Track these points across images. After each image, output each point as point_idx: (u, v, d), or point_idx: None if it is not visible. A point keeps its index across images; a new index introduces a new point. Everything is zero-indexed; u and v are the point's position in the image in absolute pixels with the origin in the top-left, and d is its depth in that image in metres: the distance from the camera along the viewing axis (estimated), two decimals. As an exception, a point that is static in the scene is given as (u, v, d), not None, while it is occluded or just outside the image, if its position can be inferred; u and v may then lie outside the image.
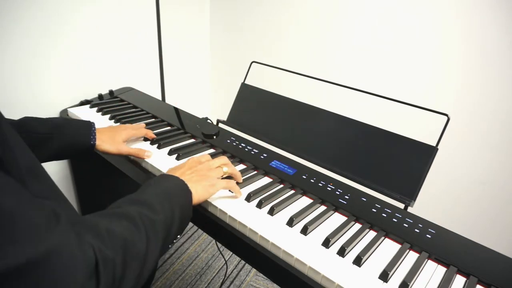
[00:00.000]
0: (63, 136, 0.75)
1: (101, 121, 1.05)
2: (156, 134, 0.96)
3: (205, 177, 0.66)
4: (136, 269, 0.44)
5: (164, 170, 0.80)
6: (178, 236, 0.58)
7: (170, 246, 0.56)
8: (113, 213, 0.48)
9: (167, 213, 0.53)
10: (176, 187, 0.59)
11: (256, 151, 0.90)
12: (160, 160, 0.84)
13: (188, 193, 0.60)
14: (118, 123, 1.04)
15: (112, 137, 0.83)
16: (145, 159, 0.84)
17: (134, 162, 0.88)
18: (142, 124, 0.96)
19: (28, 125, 0.73)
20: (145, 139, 0.94)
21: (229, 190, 0.72)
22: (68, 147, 0.77)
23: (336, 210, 0.71)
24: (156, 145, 0.90)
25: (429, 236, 0.63)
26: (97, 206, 1.41)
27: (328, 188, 0.76)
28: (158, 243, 0.49)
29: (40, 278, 0.32)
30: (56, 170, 1.21)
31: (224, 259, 1.51)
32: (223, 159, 0.74)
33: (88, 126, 0.80)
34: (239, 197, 0.71)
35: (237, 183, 0.74)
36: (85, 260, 0.36)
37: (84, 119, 1.05)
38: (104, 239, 0.40)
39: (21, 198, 0.34)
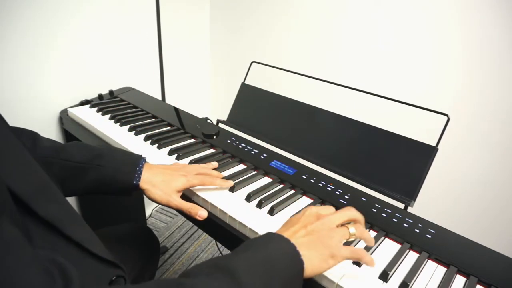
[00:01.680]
0: (100, 169, 0.63)
1: (101, 121, 1.05)
2: (156, 134, 0.96)
3: (325, 242, 0.48)
4: None
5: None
6: None
7: None
8: (177, 284, 0.37)
9: None
10: (280, 255, 0.44)
11: (256, 151, 0.90)
12: (160, 160, 0.84)
13: (298, 264, 0.44)
14: (118, 124, 1.03)
15: (166, 184, 0.66)
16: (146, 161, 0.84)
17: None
18: (212, 164, 0.77)
19: (67, 151, 0.65)
20: (145, 139, 0.94)
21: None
22: (105, 183, 0.64)
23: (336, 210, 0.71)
24: (156, 145, 0.90)
25: (429, 236, 0.63)
26: (96, 206, 1.41)
27: (328, 188, 0.76)
28: None
29: None
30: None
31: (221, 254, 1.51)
32: (350, 211, 0.53)
33: (135, 162, 0.66)
34: (373, 267, 0.52)
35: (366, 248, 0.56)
36: None
37: (84, 119, 1.06)
38: None
39: (16, 257, 0.30)
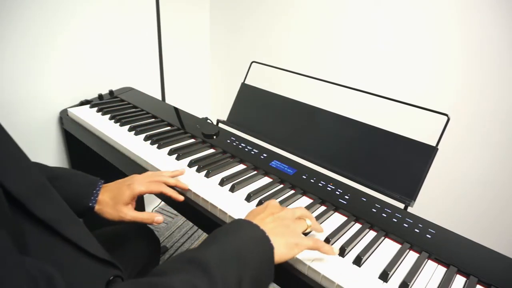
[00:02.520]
0: (61, 189, 0.59)
1: (101, 121, 1.05)
2: (156, 134, 0.96)
3: (290, 230, 0.51)
4: None
5: (164, 169, 0.80)
6: None
7: None
8: (152, 284, 0.37)
9: (231, 280, 0.40)
10: (251, 242, 0.45)
11: (256, 151, 0.90)
12: (160, 160, 0.84)
13: (269, 249, 0.46)
14: (118, 123, 1.03)
15: (113, 198, 0.64)
16: (145, 159, 0.84)
17: (135, 163, 0.88)
18: (162, 174, 0.72)
19: None
20: (145, 139, 0.94)
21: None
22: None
23: (336, 210, 0.71)
24: (156, 145, 0.90)
25: (429, 236, 0.63)
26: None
27: (328, 188, 0.76)
28: None
29: None
30: (56, 170, 1.21)
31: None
32: (303, 209, 0.58)
33: (91, 184, 0.65)
34: (334, 255, 0.56)
35: None
36: None
37: (84, 119, 1.05)
38: None
39: (4, 265, 0.30)
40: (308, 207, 0.69)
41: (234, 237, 0.45)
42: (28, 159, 0.47)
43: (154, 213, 0.66)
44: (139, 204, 1.52)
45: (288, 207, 0.70)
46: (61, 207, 0.47)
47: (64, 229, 0.44)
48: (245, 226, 0.48)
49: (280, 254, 0.48)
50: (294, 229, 0.52)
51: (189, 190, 0.73)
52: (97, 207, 0.64)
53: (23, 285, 0.30)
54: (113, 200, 0.64)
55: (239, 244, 0.44)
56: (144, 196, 1.51)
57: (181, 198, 0.69)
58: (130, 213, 0.64)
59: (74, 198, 0.62)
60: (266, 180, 0.80)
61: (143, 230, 0.89)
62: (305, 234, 0.60)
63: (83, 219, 0.55)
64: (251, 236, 0.46)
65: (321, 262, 0.56)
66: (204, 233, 1.68)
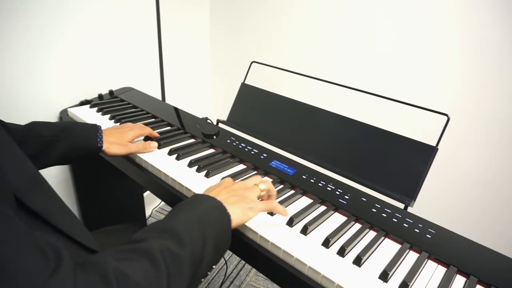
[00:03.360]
0: (69, 139, 0.75)
1: (101, 121, 1.05)
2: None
3: (243, 197, 0.59)
4: None
5: (164, 170, 0.80)
6: (214, 267, 0.52)
7: (202, 279, 0.50)
8: (132, 249, 0.43)
9: (197, 245, 0.47)
10: (211, 211, 0.53)
11: (256, 151, 0.90)
12: (160, 160, 0.84)
13: (225, 216, 0.54)
14: (118, 123, 1.04)
15: (119, 138, 0.83)
16: (145, 159, 0.84)
17: (134, 162, 0.88)
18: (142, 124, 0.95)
19: (34, 129, 0.73)
20: (145, 139, 0.94)
21: (269, 213, 0.67)
22: (75, 150, 0.77)
23: (336, 210, 0.71)
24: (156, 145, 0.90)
25: (429, 236, 0.63)
26: (96, 206, 1.41)
27: (328, 188, 0.76)
28: (183, 282, 0.44)
29: None
30: (56, 173, 1.21)
31: (224, 259, 1.51)
32: (257, 177, 0.66)
33: (95, 129, 0.80)
34: (286, 216, 0.64)
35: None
36: None
37: (84, 119, 1.06)
38: (111, 284, 0.35)
39: (14, 237, 0.32)
40: (308, 207, 0.69)
41: (197, 208, 0.52)
42: (20, 151, 0.47)
43: (148, 142, 0.87)
44: (139, 204, 1.52)
45: (287, 207, 0.70)
46: (53, 199, 0.48)
47: (56, 220, 0.45)
48: (204, 199, 0.55)
49: (237, 219, 0.55)
50: (247, 196, 0.60)
51: (189, 190, 0.73)
52: (105, 146, 0.79)
53: (35, 254, 0.32)
54: (118, 139, 0.82)
55: (201, 213, 0.51)
56: (144, 196, 1.52)
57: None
58: (134, 145, 0.84)
59: (84, 143, 0.77)
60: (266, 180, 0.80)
61: (141, 228, 0.90)
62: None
63: (83, 221, 0.56)
64: (210, 206, 0.54)
65: (322, 262, 0.56)
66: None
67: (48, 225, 0.44)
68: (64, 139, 0.74)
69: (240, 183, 0.63)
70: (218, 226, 0.52)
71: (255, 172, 0.83)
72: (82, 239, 0.47)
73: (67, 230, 0.46)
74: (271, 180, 0.79)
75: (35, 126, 0.74)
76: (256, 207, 0.60)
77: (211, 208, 0.54)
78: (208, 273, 0.54)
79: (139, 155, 0.86)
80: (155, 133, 0.93)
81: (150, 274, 0.40)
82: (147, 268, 0.40)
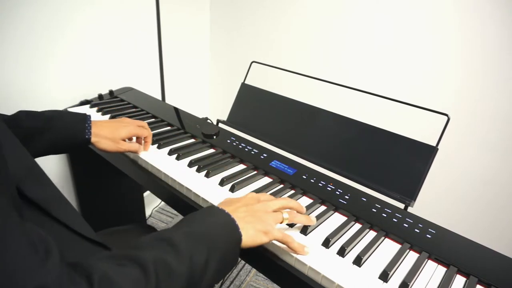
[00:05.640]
0: (54, 130, 0.71)
1: (101, 121, 1.05)
2: (156, 134, 0.96)
3: (261, 220, 0.55)
4: None
5: (164, 170, 0.80)
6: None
7: None
8: (126, 256, 0.41)
9: (198, 260, 0.44)
10: (221, 227, 0.50)
11: (256, 151, 0.90)
12: (160, 160, 0.84)
13: (236, 234, 0.50)
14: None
15: (112, 133, 0.78)
16: (145, 159, 0.84)
17: (134, 162, 0.88)
18: (144, 122, 0.87)
19: (20, 119, 0.71)
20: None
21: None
22: (61, 142, 0.73)
23: (336, 210, 0.71)
24: (156, 145, 0.90)
25: (429, 236, 0.63)
26: (96, 206, 1.41)
27: (328, 188, 0.76)
28: None
29: None
30: (56, 170, 1.21)
31: (224, 259, 1.51)
32: (286, 200, 0.62)
33: (82, 120, 0.75)
34: (303, 254, 0.58)
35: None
36: None
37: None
38: (93, 285, 0.35)
39: (5, 226, 0.32)
40: (308, 207, 0.69)
41: (206, 222, 0.50)
42: (18, 141, 0.47)
43: (138, 144, 0.84)
44: (139, 204, 1.52)
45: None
46: (50, 188, 0.48)
47: (53, 210, 0.45)
48: (218, 212, 0.52)
49: (249, 240, 0.52)
50: (266, 219, 0.55)
51: (189, 190, 0.74)
52: (93, 139, 0.75)
53: (23, 247, 0.32)
54: (110, 134, 0.77)
55: (209, 229, 0.48)
56: (144, 196, 1.52)
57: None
58: (126, 144, 0.80)
59: (71, 133, 0.73)
60: (266, 180, 0.80)
61: (144, 229, 0.90)
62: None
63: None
64: (221, 222, 0.51)
65: (322, 262, 0.56)
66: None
67: (44, 214, 0.44)
68: (49, 130, 0.71)
69: (264, 203, 0.58)
70: (226, 244, 0.49)
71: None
72: (78, 227, 0.48)
73: (64, 219, 0.46)
74: (271, 180, 0.79)
75: (20, 116, 0.71)
76: (272, 233, 0.55)
77: (221, 225, 0.50)
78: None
79: (139, 155, 0.86)
80: (150, 139, 0.87)
81: (138, 284, 0.38)
82: (137, 277, 0.38)
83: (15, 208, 0.35)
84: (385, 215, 0.68)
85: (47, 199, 0.45)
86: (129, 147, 0.80)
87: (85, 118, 0.76)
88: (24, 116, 0.72)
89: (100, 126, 0.77)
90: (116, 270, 0.38)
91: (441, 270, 0.58)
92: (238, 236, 0.50)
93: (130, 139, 0.85)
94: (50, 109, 0.80)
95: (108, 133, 0.77)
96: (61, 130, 0.72)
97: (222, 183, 0.75)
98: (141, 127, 0.84)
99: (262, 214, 0.56)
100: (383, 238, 0.64)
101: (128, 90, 1.32)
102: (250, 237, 0.52)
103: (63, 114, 0.77)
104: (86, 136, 0.74)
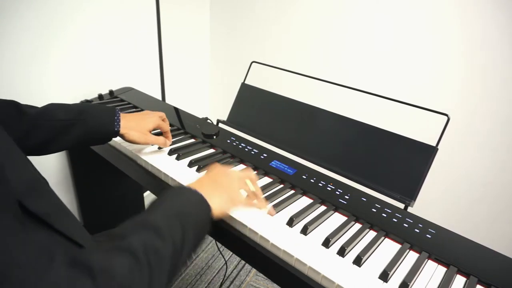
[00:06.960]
0: (85, 122, 0.74)
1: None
2: (156, 134, 0.96)
3: (226, 189, 0.62)
4: None
5: (164, 170, 0.80)
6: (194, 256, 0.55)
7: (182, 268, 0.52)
8: (116, 247, 0.44)
9: (177, 237, 0.48)
10: (191, 204, 0.55)
11: (256, 151, 0.90)
12: (160, 160, 0.84)
13: (205, 207, 0.56)
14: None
15: (139, 125, 0.80)
16: (145, 159, 0.84)
17: (134, 161, 0.88)
18: (162, 113, 0.89)
19: (51, 112, 0.72)
20: None
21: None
22: (91, 134, 0.75)
23: (336, 210, 0.71)
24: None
25: (429, 236, 0.63)
26: (96, 206, 1.41)
27: (328, 188, 0.76)
28: (164, 275, 0.46)
29: None
30: (55, 170, 1.21)
31: (224, 259, 1.51)
32: (250, 173, 0.68)
33: (112, 113, 0.78)
34: (264, 208, 0.67)
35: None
36: None
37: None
38: (97, 280, 0.37)
39: (8, 237, 0.34)
40: (308, 207, 0.69)
41: (177, 200, 0.54)
42: (22, 154, 0.47)
43: (164, 138, 0.85)
44: (139, 204, 1.52)
45: (287, 207, 0.70)
46: (53, 200, 0.48)
47: (56, 223, 0.45)
48: (186, 192, 0.57)
49: (219, 210, 0.58)
50: (232, 187, 0.62)
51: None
52: (122, 131, 0.78)
53: (31, 257, 0.33)
54: (138, 127, 0.80)
55: (181, 206, 0.53)
56: (144, 196, 1.52)
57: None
58: (153, 137, 0.82)
59: (102, 125, 0.76)
60: (266, 180, 0.80)
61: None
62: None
63: (83, 223, 0.57)
64: (191, 199, 0.56)
65: (322, 262, 0.56)
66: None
67: (47, 227, 0.44)
68: (79, 123, 0.73)
69: (227, 175, 0.65)
70: (197, 217, 0.54)
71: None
72: (81, 240, 0.48)
73: (68, 232, 0.46)
74: (271, 180, 0.79)
75: (52, 108, 0.73)
76: (238, 199, 0.63)
77: (191, 201, 0.55)
78: (188, 261, 0.58)
79: (138, 155, 0.86)
80: (170, 135, 0.88)
81: (133, 269, 0.41)
82: (131, 265, 0.41)
83: (18, 221, 0.37)
84: (385, 215, 0.68)
85: (50, 213, 0.45)
86: (156, 140, 0.83)
87: (114, 110, 0.79)
88: (56, 109, 0.73)
89: (128, 118, 0.80)
90: (114, 261, 0.40)
91: (441, 270, 0.58)
92: (208, 208, 0.56)
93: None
94: (79, 103, 0.80)
95: (136, 125, 0.80)
96: (93, 123, 0.75)
97: (222, 183, 0.75)
98: (162, 121, 0.87)
99: (227, 183, 0.63)
100: (383, 238, 0.64)
101: (128, 90, 1.32)
102: (218, 206, 0.58)
103: (94, 107, 0.79)
104: (116, 128, 0.77)
